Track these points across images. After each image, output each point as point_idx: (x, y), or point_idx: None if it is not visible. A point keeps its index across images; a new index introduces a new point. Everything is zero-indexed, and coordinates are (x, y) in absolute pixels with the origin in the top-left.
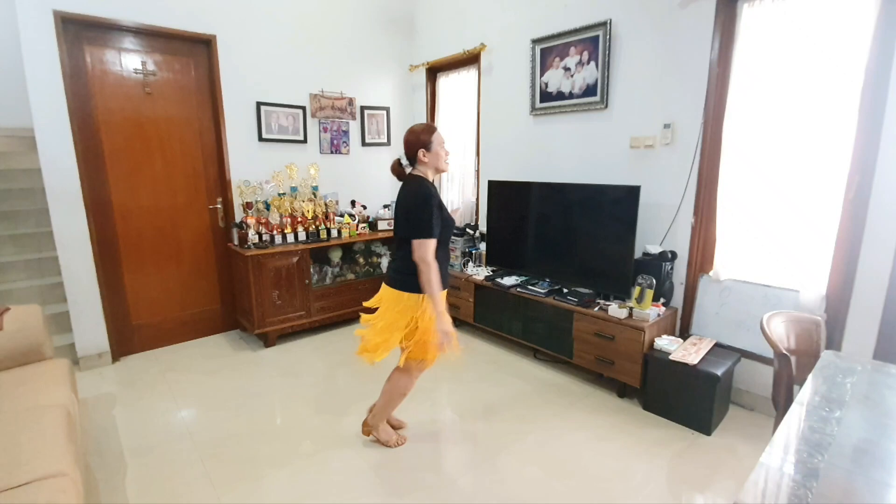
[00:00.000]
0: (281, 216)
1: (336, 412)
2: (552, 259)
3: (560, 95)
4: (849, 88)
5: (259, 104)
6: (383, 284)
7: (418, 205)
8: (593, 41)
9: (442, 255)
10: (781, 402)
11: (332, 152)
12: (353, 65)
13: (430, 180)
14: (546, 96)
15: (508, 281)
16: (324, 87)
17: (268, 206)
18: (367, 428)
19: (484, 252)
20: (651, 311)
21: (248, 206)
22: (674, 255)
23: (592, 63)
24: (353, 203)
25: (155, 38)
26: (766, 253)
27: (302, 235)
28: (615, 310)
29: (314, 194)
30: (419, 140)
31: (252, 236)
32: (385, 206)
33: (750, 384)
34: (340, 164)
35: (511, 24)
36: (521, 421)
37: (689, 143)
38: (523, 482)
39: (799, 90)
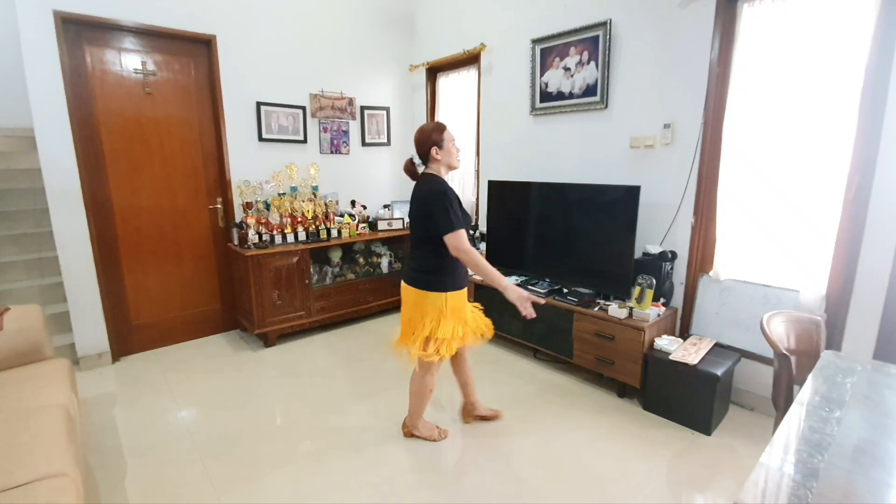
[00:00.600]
0: (281, 216)
1: (336, 412)
2: (552, 259)
3: (560, 95)
4: (849, 88)
5: (259, 104)
6: (403, 283)
7: (437, 199)
8: (593, 41)
9: None
10: (781, 402)
11: (332, 152)
12: (353, 65)
13: (444, 178)
14: (546, 96)
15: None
16: (324, 87)
17: (268, 206)
18: (407, 429)
19: (484, 252)
20: (651, 311)
21: (248, 206)
22: (674, 255)
23: (592, 63)
24: (353, 203)
25: (155, 38)
26: (766, 253)
27: (302, 235)
28: (615, 310)
29: (314, 194)
30: (431, 138)
31: (252, 236)
32: (385, 206)
33: (750, 384)
34: (340, 164)
35: (511, 24)
36: (521, 421)
37: (689, 143)
38: (523, 482)
39: (799, 90)
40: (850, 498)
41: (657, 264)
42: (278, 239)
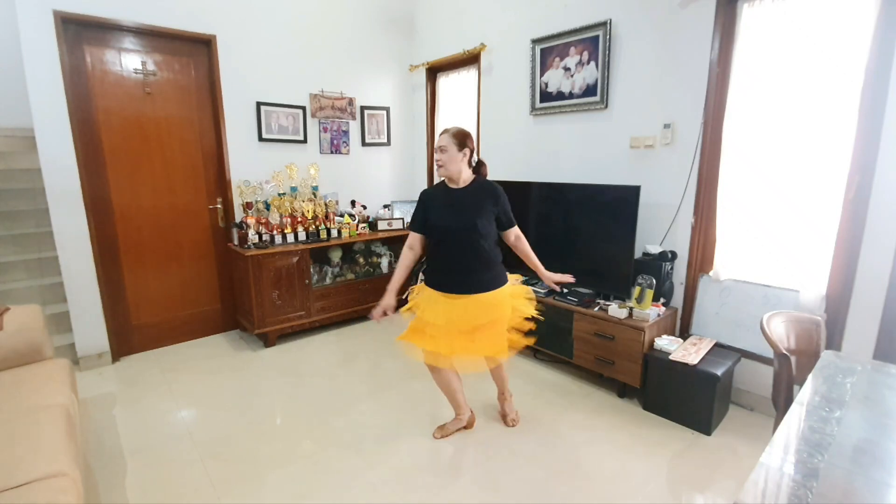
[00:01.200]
0: (281, 216)
1: (336, 412)
2: (552, 259)
3: (560, 95)
4: (849, 88)
5: (259, 104)
6: (476, 296)
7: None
8: (593, 41)
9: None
10: (781, 402)
11: (332, 152)
12: (353, 65)
13: (446, 182)
14: (546, 96)
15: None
16: (324, 87)
17: (268, 206)
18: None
19: None
20: (651, 311)
21: (248, 206)
22: (674, 255)
23: (592, 63)
24: (353, 203)
25: (155, 38)
26: (766, 253)
27: (302, 235)
28: (615, 310)
29: (314, 194)
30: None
31: (252, 236)
32: (385, 206)
33: (750, 384)
34: (340, 164)
35: (511, 24)
36: (522, 421)
37: (689, 143)
38: (523, 482)
39: (799, 90)
40: (850, 498)
41: (657, 264)
42: (278, 239)
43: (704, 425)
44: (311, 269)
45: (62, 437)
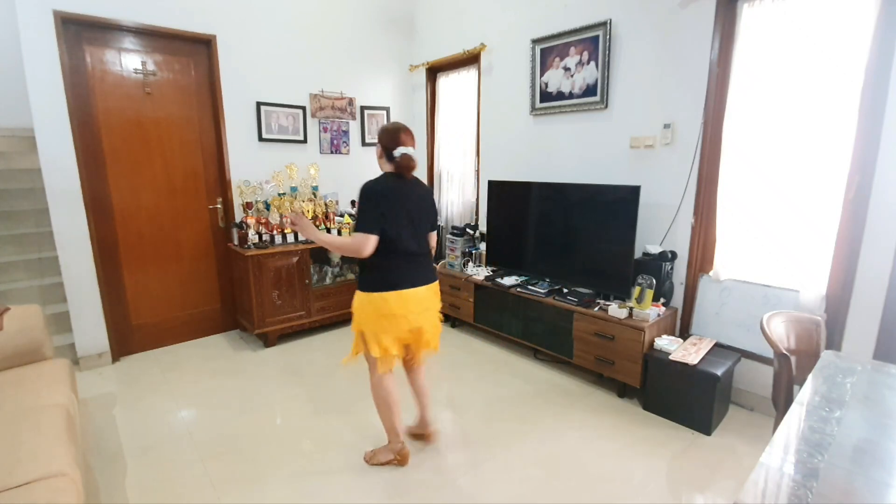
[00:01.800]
0: (281, 216)
1: (336, 412)
2: (552, 259)
3: (560, 95)
4: (849, 88)
5: (259, 104)
6: (430, 285)
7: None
8: (593, 41)
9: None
10: (781, 402)
11: (332, 152)
12: (353, 65)
13: (395, 175)
14: (546, 96)
15: (508, 281)
16: (324, 87)
17: (268, 206)
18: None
19: (484, 252)
20: (651, 311)
21: (248, 206)
22: (674, 255)
23: (592, 63)
24: (353, 203)
25: (155, 38)
26: (766, 253)
27: (302, 235)
28: (615, 310)
29: (314, 194)
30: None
31: (252, 236)
32: None
33: (750, 384)
34: (340, 164)
35: (511, 24)
36: (521, 421)
37: (689, 143)
38: (523, 482)
39: (799, 90)
40: (850, 498)
41: (657, 264)
42: (278, 239)
43: (704, 425)
44: (311, 269)
45: (62, 437)
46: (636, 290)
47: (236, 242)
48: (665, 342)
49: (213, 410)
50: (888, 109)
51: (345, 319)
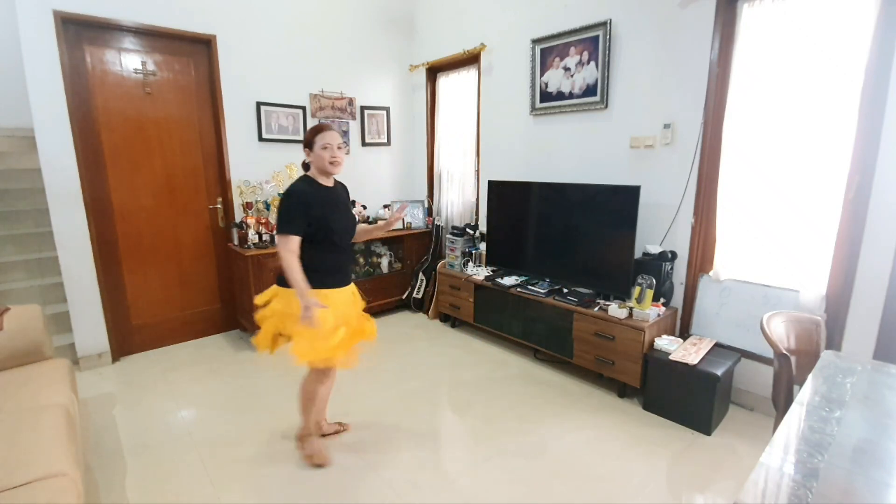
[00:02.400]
0: None
1: (336, 412)
2: (552, 259)
3: (560, 95)
4: (849, 88)
5: (259, 104)
6: (349, 287)
7: (281, 200)
8: (593, 41)
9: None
10: (781, 402)
11: None
12: (353, 65)
13: (317, 180)
14: (546, 96)
15: (508, 281)
16: (324, 87)
17: (268, 206)
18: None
19: (484, 252)
20: (651, 311)
21: (248, 206)
22: (674, 255)
23: (592, 63)
24: (352, 203)
25: (155, 38)
26: (766, 253)
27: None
28: (615, 310)
29: None
30: (305, 139)
31: (252, 236)
32: (385, 206)
33: (750, 384)
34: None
35: (511, 24)
36: (521, 421)
37: (689, 143)
38: (523, 482)
39: (799, 90)
40: (850, 498)
41: (657, 264)
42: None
43: (704, 425)
44: None
45: (62, 437)
46: (636, 290)
47: (236, 242)
48: (665, 342)
49: (213, 410)
50: (888, 109)
51: None
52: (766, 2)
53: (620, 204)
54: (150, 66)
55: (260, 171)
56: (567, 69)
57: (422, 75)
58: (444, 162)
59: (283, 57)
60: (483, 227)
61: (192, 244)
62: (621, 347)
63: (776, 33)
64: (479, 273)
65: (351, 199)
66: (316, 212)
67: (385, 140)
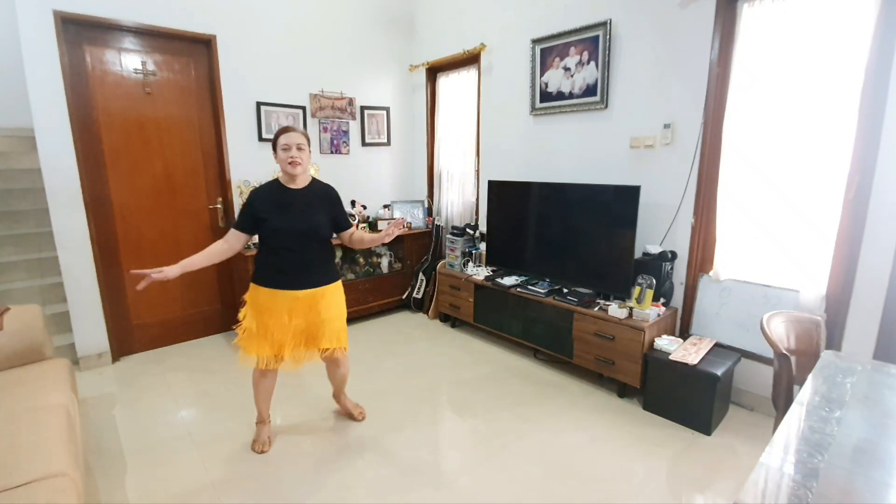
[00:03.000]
0: None
1: (336, 413)
2: (552, 259)
3: (560, 95)
4: (849, 88)
5: (259, 104)
6: (318, 289)
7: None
8: (593, 41)
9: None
10: (781, 402)
11: (332, 152)
12: (353, 65)
13: (281, 181)
14: (546, 96)
15: (508, 281)
16: (324, 87)
17: None
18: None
19: (484, 252)
20: (651, 311)
21: None
22: (674, 255)
23: (592, 63)
24: (353, 203)
25: (155, 38)
26: (766, 253)
27: None
28: (615, 310)
29: None
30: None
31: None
32: (385, 206)
33: (750, 384)
34: (340, 164)
35: (511, 24)
36: (521, 421)
37: (689, 143)
38: (523, 482)
39: (799, 90)
40: (850, 498)
41: (657, 264)
42: None
43: (704, 425)
44: None
45: (62, 437)
46: (636, 290)
47: None
48: (665, 342)
49: (214, 410)
50: (888, 109)
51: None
52: (766, 2)
53: (620, 204)
54: (150, 66)
55: (260, 171)
56: (567, 69)
57: (422, 75)
58: (444, 162)
59: (283, 57)
60: (483, 227)
61: (192, 244)
62: (621, 347)
63: (776, 33)
64: (479, 273)
65: (351, 199)
66: (261, 212)
67: (385, 140)
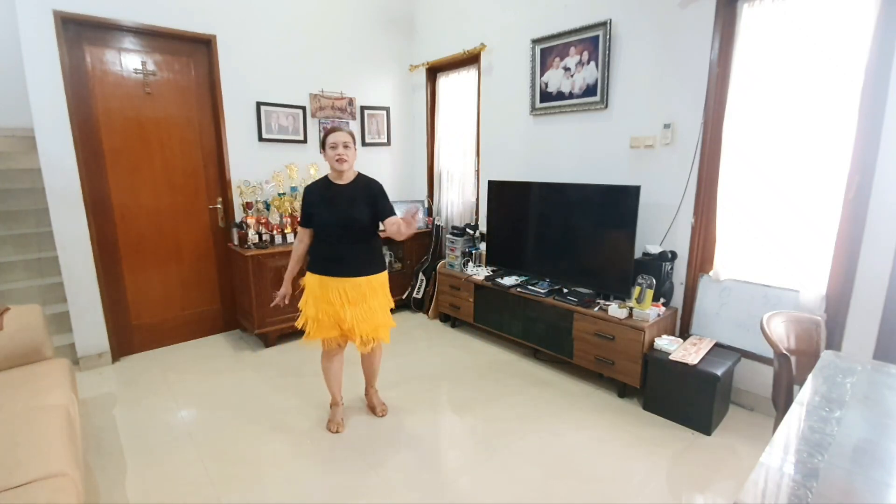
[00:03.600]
0: (281, 216)
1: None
2: (552, 259)
3: (560, 95)
4: (849, 88)
5: (259, 104)
6: (343, 279)
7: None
8: (593, 41)
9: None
10: (781, 402)
11: None
12: (353, 65)
13: (329, 178)
14: (546, 96)
15: (508, 281)
16: (324, 87)
17: (268, 206)
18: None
19: (484, 252)
20: (651, 311)
21: (248, 206)
22: (674, 255)
23: (592, 63)
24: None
25: (155, 38)
26: (766, 253)
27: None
28: (615, 310)
29: None
30: (320, 141)
31: (252, 236)
32: None
33: (750, 384)
34: None
35: (511, 24)
36: (521, 421)
37: (689, 143)
38: (523, 482)
39: (799, 90)
40: (850, 498)
41: (657, 264)
42: (278, 239)
43: (704, 425)
44: None
45: (62, 437)
46: (636, 290)
47: (236, 242)
48: (665, 342)
49: (213, 410)
50: (888, 109)
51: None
52: (766, 2)
53: (620, 204)
54: (150, 66)
55: (260, 171)
56: (567, 69)
57: (422, 75)
58: (444, 162)
59: (283, 57)
60: (483, 227)
61: (192, 244)
62: (621, 347)
63: (776, 33)
64: (479, 273)
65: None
66: (311, 206)
67: (385, 140)
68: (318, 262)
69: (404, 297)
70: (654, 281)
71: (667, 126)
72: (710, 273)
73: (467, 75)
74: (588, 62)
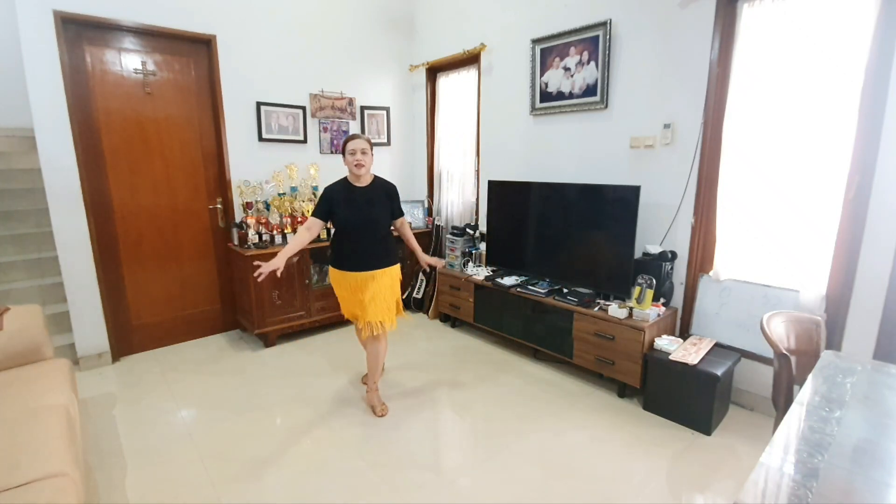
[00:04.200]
0: (281, 216)
1: (336, 413)
2: (552, 259)
3: (560, 95)
4: (849, 88)
5: (259, 104)
6: (362, 273)
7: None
8: (593, 41)
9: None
10: (781, 402)
11: (332, 152)
12: (353, 65)
13: (348, 180)
14: (546, 96)
15: (508, 281)
16: (324, 87)
17: (268, 206)
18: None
19: (484, 252)
20: (651, 311)
21: (248, 206)
22: (674, 255)
23: (592, 63)
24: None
25: (155, 38)
26: (766, 253)
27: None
28: (615, 310)
29: (314, 194)
30: (341, 148)
31: (252, 236)
32: None
33: (750, 384)
34: (340, 164)
35: (511, 24)
36: (521, 421)
37: (689, 143)
38: (523, 482)
39: (799, 90)
40: (850, 498)
41: (657, 264)
42: (278, 239)
43: (704, 425)
44: (311, 269)
45: (62, 437)
46: (636, 290)
47: (236, 242)
48: (665, 342)
49: (213, 410)
50: (888, 109)
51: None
52: (766, 2)
53: (620, 204)
54: (150, 66)
55: (260, 171)
56: (567, 69)
57: (422, 75)
58: (444, 162)
59: (283, 57)
60: (483, 227)
61: (192, 244)
62: (621, 347)
63: (776, 33)
64: (479, 273)
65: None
66: (333, 206)
67: (385, 140)
68: (339, 258)
69: (404, 297)
70: (654, 281)
71: (667, 126)
72: (710, 273)
73: (467, 75)
74: (588, 62)
